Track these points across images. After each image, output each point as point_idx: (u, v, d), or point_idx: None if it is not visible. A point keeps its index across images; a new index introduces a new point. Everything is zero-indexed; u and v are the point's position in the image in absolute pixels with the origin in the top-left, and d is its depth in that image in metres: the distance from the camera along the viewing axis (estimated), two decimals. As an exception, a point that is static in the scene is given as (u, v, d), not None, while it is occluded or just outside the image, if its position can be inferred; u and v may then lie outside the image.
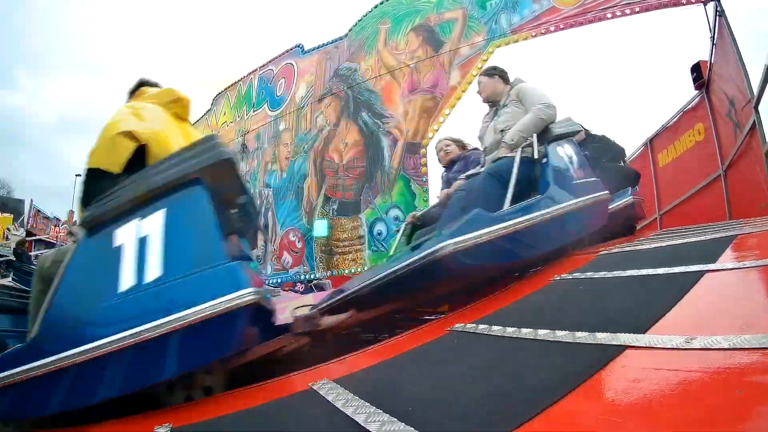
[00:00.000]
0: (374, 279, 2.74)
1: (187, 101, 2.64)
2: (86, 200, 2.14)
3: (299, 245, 8.78)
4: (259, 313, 2.04)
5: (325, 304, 2.87)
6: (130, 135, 2.19)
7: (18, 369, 1.81)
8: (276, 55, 10.65)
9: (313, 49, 9.75)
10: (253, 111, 10.84)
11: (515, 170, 3.15)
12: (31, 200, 22.19)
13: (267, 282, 9.00)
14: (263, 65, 10.93)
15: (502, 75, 3.82)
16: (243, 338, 1.94)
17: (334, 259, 8.12)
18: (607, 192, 3.77)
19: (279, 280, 8.95)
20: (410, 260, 2.60)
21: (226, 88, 12.03)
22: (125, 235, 1.99)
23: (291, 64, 10.10)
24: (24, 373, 1.81)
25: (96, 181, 2.14)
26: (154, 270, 1.91)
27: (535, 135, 3.32)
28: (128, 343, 1.78)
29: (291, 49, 10.24)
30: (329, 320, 2.68)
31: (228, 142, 11.34)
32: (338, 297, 2.89)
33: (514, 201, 3.01)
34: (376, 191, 7.90)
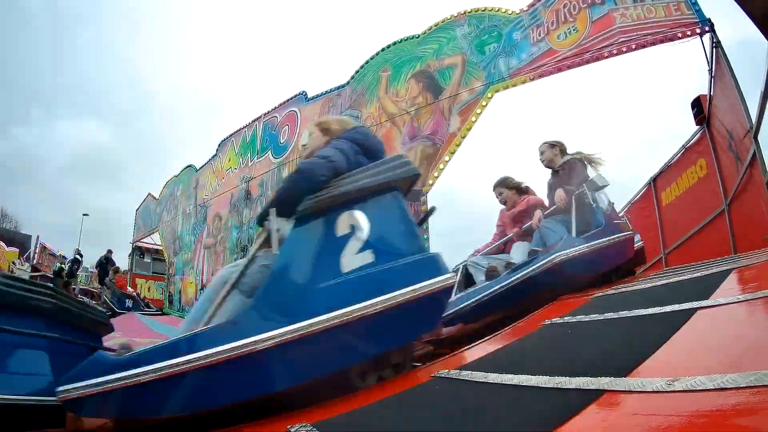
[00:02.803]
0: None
1: None
2: None
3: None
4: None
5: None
6: None
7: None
8: (280, 102, 10.88)
9: (317, 96, 9.93)
10: (257, 158, 10.96)
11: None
12: (38, 236, 22.27)
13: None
14: (268, 112, 11.16)
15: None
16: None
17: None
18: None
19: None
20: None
21: (231, 134, 12.23)
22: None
23: (295, 111, 10.28)
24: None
25: None
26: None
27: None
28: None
29: (295, 97, 10.43)
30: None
31: (232, 188, 11.48)
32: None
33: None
34: (379, 239, 7.85)
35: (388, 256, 2.19)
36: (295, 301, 2.07)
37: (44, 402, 2.35)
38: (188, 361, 1.90)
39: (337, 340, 2.03)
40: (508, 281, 3.56)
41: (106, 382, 1.89)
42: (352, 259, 2.15)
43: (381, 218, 2.27)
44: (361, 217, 2.24)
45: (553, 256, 3.43)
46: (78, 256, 17.14)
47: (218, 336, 1.96)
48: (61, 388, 1.96)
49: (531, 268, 3.49)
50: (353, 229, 2.21)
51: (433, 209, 3.09)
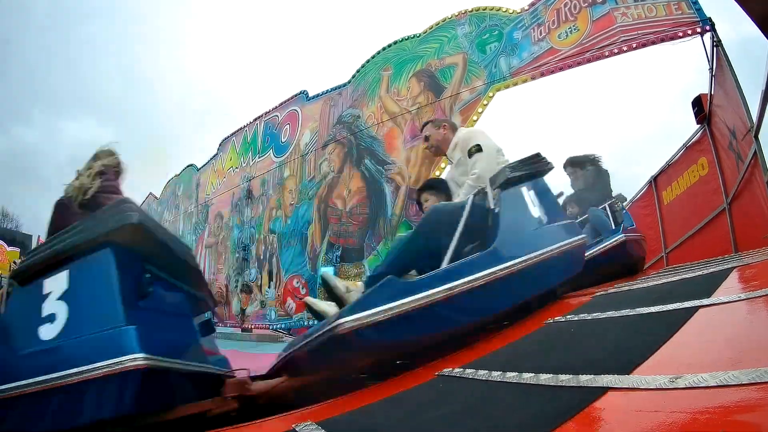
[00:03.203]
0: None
1: None
2: None
3: (303, 291, 8.71)
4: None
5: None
6: None
7: None
8: (281, 101, 10.86)
9: (318, 95, 9.92)
10: (259, 157, 10.97)
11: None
12: (38, 236, 22.28)
13: (272, 327, 8.94)
14: (268, 111, 11.14)
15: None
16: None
17: (338, 305, 8.00)
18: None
19: (282, 326, 8.87)
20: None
21: (232, 133, 12.22)
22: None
23: (296, 110, 10.27)
24: None
25: None
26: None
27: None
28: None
29: (296, 96, 10.42)
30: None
31: (233, 187, 11.48)
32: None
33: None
34: (379, 238, 7.89)
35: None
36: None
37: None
38: None
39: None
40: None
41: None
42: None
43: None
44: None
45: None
46: None
47: None
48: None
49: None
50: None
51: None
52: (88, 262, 2.14)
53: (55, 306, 2.05)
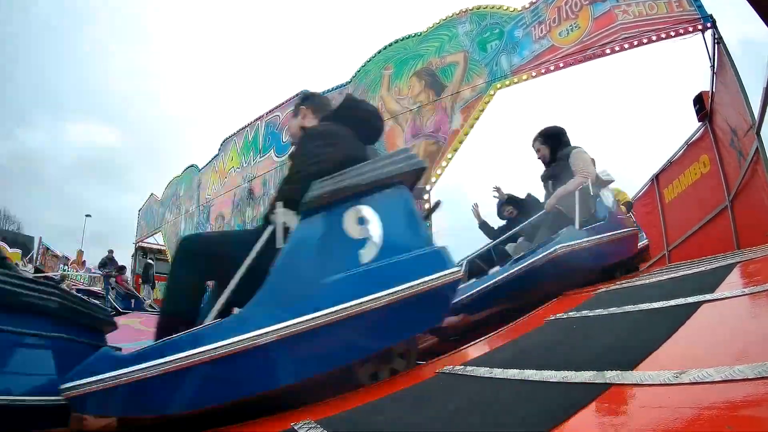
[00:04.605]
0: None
1: None
2: None
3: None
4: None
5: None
6: None
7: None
8: (282, 101, 10.85)
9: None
10: (260, 156, 10.94)
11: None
12: (40, 238, 22.24)
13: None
14: (269, 111, 11.11)
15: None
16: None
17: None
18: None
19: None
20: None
21: (233, 134, 12.21)
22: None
23: (297, 110, 10.23)
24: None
25: None
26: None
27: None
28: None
29: (297, 95, 10.40)
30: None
31: (235, 187, 11.47)
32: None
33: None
34: (380, 236, 7.86)
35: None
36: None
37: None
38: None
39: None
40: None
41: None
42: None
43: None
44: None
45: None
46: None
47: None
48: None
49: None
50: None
51: (438, 203, 3.07)
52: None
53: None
